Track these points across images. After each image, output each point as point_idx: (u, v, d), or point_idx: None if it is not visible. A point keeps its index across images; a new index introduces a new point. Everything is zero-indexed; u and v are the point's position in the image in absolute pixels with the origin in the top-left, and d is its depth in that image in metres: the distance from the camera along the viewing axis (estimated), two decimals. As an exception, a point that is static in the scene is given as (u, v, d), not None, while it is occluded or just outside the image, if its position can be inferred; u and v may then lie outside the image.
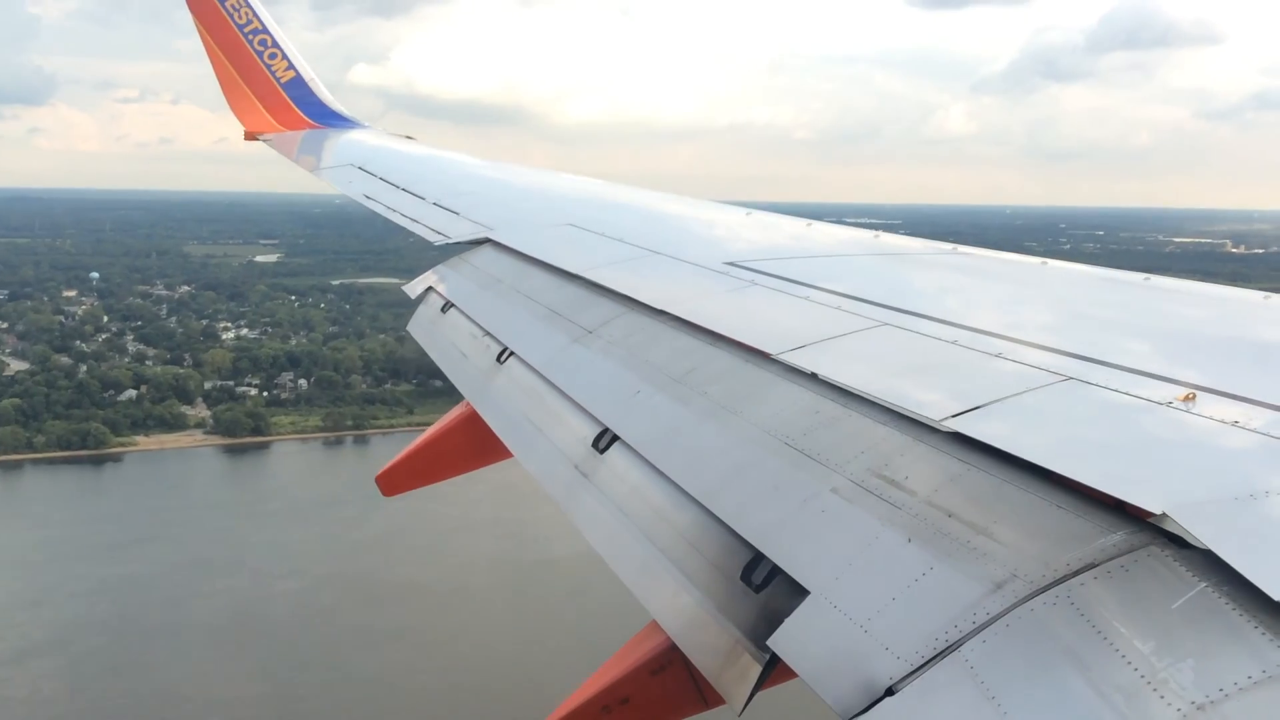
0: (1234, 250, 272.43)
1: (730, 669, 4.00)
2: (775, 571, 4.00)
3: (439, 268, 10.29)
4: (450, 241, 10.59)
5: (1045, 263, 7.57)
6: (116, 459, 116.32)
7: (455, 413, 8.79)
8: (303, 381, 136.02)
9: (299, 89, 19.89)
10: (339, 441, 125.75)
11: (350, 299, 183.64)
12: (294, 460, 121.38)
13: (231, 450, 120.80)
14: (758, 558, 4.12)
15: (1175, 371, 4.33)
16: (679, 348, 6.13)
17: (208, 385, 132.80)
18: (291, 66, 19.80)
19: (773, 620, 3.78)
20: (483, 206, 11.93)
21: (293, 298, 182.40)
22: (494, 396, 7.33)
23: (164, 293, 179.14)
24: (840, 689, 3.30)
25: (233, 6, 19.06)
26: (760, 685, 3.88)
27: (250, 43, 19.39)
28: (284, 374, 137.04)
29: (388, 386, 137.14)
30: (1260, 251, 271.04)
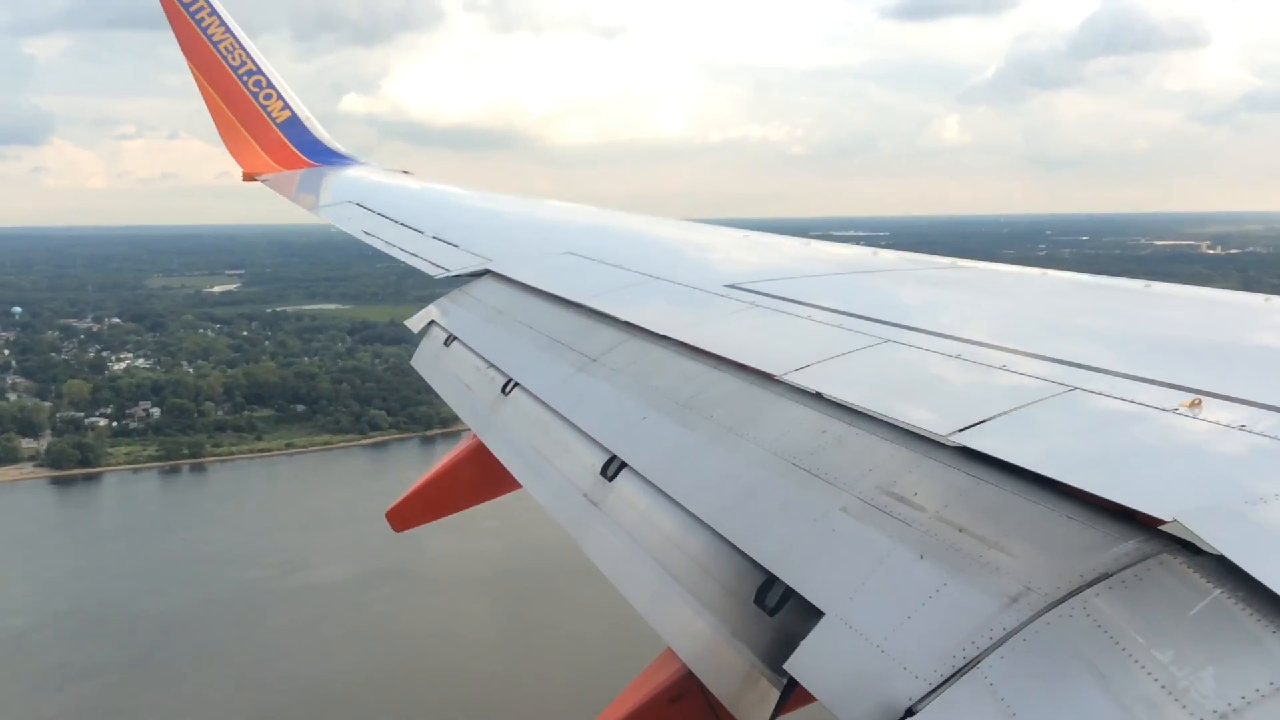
0: (1209, 251, 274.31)
1: (748, 694, 3.99)
2: (789, 593, 3.99)
3: (440, 301, 10.31)
4: (450, 274, 10.62)
5: (1045, 273, 7.58)
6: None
7: (463, 445, 8.80)
8: (156, 410, 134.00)
9: (295, 128, 20.00)
10: (174, 471, 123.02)
11: (278, 325, 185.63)
12: (107, 492, 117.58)
13: (58, 483, 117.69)
14: (771, 580, 4.11)
15: (1179, 377, 4.32)
16: (683, 372, 6.14)
17: (61, 416, 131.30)
18: (287, 106, 19.91)
19: (788, 643, 3.77)
20: (481, 238, 11.97)
21: (218, 325, 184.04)
22: (500, 428, 7.33)
23: (88, 325, 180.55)
24: (860, 711, 3.29)
25: (226, 49, 19.19)
26: (779, 710, 3.86)
27: (245, 84, 19.51)
28: (142, 403, 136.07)
29: (245, 413, 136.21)
30: (1235, 252, 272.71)
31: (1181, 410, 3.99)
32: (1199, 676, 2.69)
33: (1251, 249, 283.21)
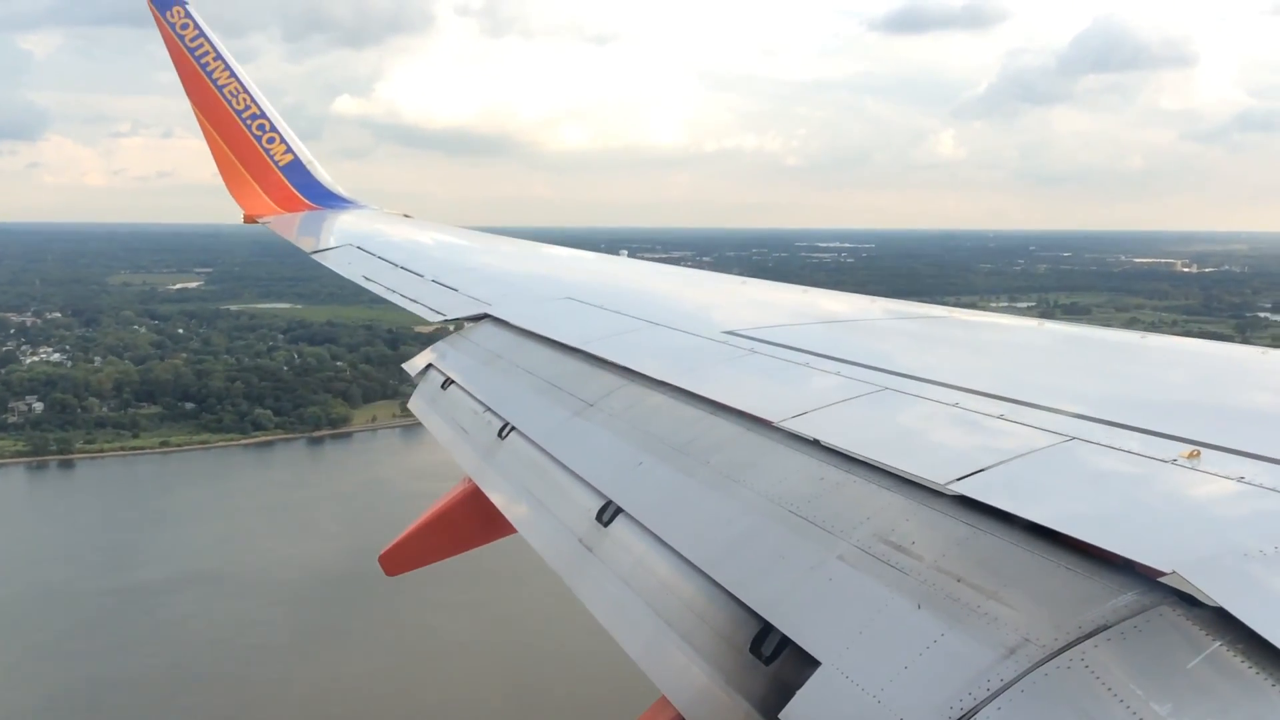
0: (1184, 270, 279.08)
1: None
2: (785, 642, 3.95)
3: (438, 344, 10.33)
4: (449, 319, 10.64)
5: (1042, 324, 7.61)
6: None
7: (458, 489, 8.76)
8: (40, 405, 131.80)
9: (297, 171, 20.15)
10: (39, 467, 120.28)
11: (214, 323, 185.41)
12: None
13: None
14: (766, 628, 4.07)
15: (1177, 429, 4.32)
16: (680, 418, 6.13)
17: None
18: (290, 150, 20.08)
19: (784, 692, 3.73)
20: (481, 282, 12.02)
21: (155, 322, 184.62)
22: (496, 472, 7.31)
23: (26, 319, 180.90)
24: None
25: (230, 92, 19.39)
26: None
27: (249, 128, 19.69)
28: (29, 397, 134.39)
29: (131, 410, 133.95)
30: (1210, 270, 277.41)
31: (1180, 462, 3.98)
32: None
33: (1227, 268, 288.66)
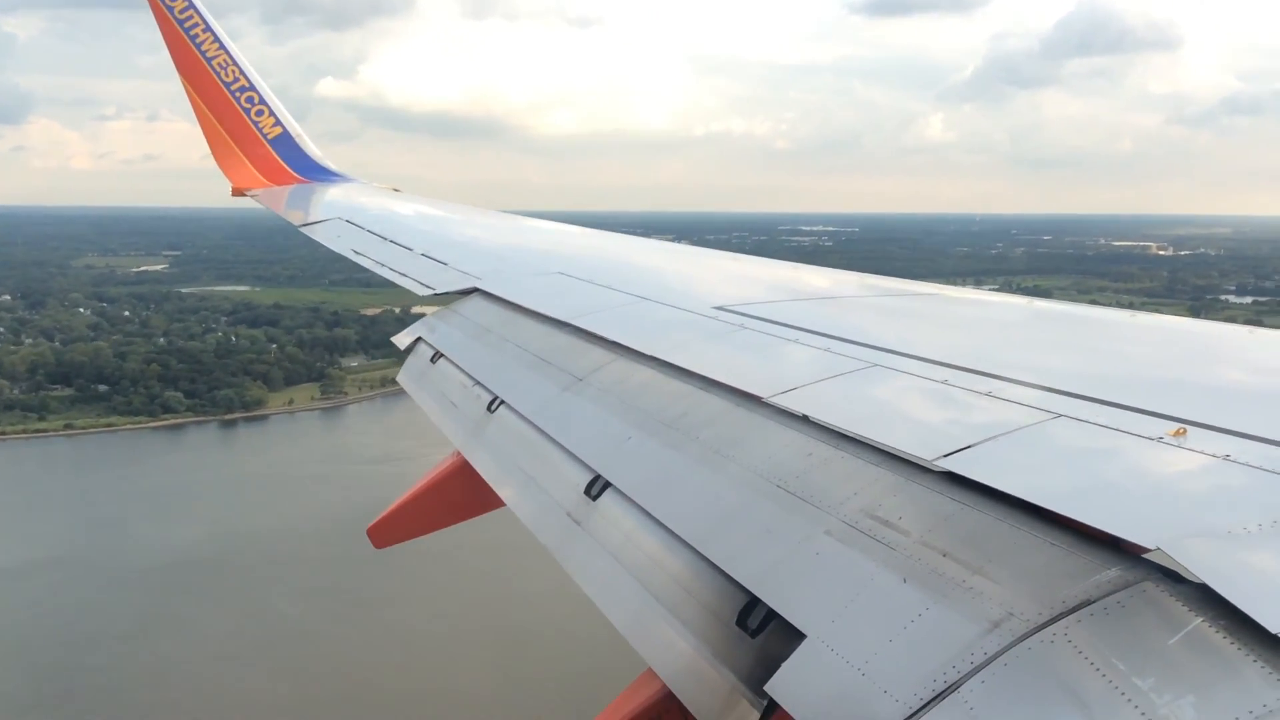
0: (1159, 253, 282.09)
1: (728, 716, 3.96)
2: (771, 615, 3.97)
3: (428, 318, 10.30)
4: (438, 293, 10.61)
5: (1031, 301, 7.62)
6: None
7: (447, 463, 8.75)
8: None
9: (286, 144, 20.00)
10: None
11: (161, 306, 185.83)
12: None
13: None
14: (753, 602, 4.10)
15: (1164, 407, 4.34)
16: (670, 393, 6.14)
17: None
18: (279, 123, 19.92)
19: (770, 665, 3.75)
20: (470, 257, 11.97)
21: (103, 305, 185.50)
22: (485, 446, 7.31)
23: None
24: None
25: (219, 65, 19.21)
26: None
27: (237, 100, 19.52)
28: None
29: (42, 393, 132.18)
30: (1185, 254, 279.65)
31: (1167, 440, 4.00)
32: (1179, 704, 2.68)
33: (1203, 251, 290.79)
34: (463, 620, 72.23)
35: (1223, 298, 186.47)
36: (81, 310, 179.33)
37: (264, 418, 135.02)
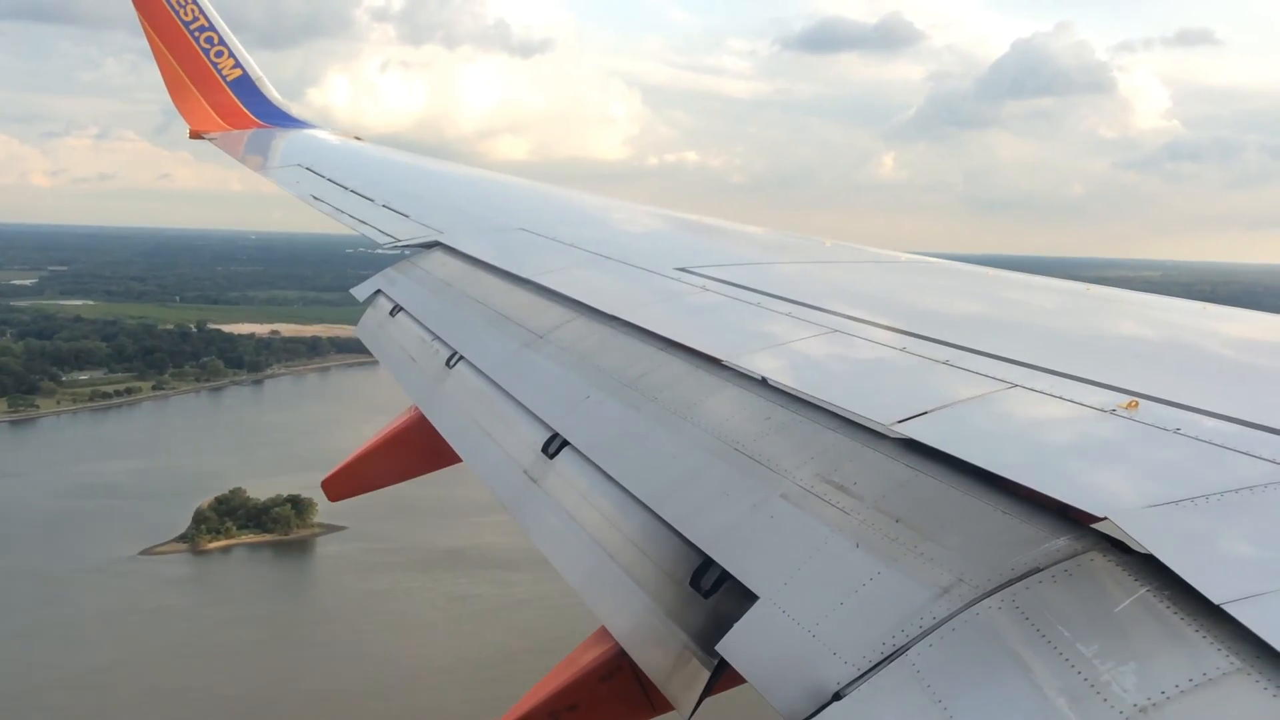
0: None
1: (679, 674, 3.99)
2: (724, 577, 3.99)
3: (387, 271, 10.18)
4: (400, 244, 10.48)
5: (993, 272, 7.66)
6: None
7: (403, 417, 8.69)
8: None
9: (246, 88, 19.57)
10: None
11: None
12: None
13: None
14: (707, 563, 4.12)
15: (1118, 379, 4.39)
16: (630, 353, 6.12)
17: None
18: (239, 65, 19.47)
19: (721, 625, 3.78)
20: (433, 209, 11.83)
21: None
22: (443, 401, 7.26)
23: None
24: (788, 694, 3.30)
25: (178, 3, 18.73)
26: (709, 691, 3.87)
27: (196, 40, 19.05)
28: None
29: None
30: None
31: (1119, 412, 4.04)
32: (1121, 671, 2.73)
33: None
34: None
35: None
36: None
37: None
